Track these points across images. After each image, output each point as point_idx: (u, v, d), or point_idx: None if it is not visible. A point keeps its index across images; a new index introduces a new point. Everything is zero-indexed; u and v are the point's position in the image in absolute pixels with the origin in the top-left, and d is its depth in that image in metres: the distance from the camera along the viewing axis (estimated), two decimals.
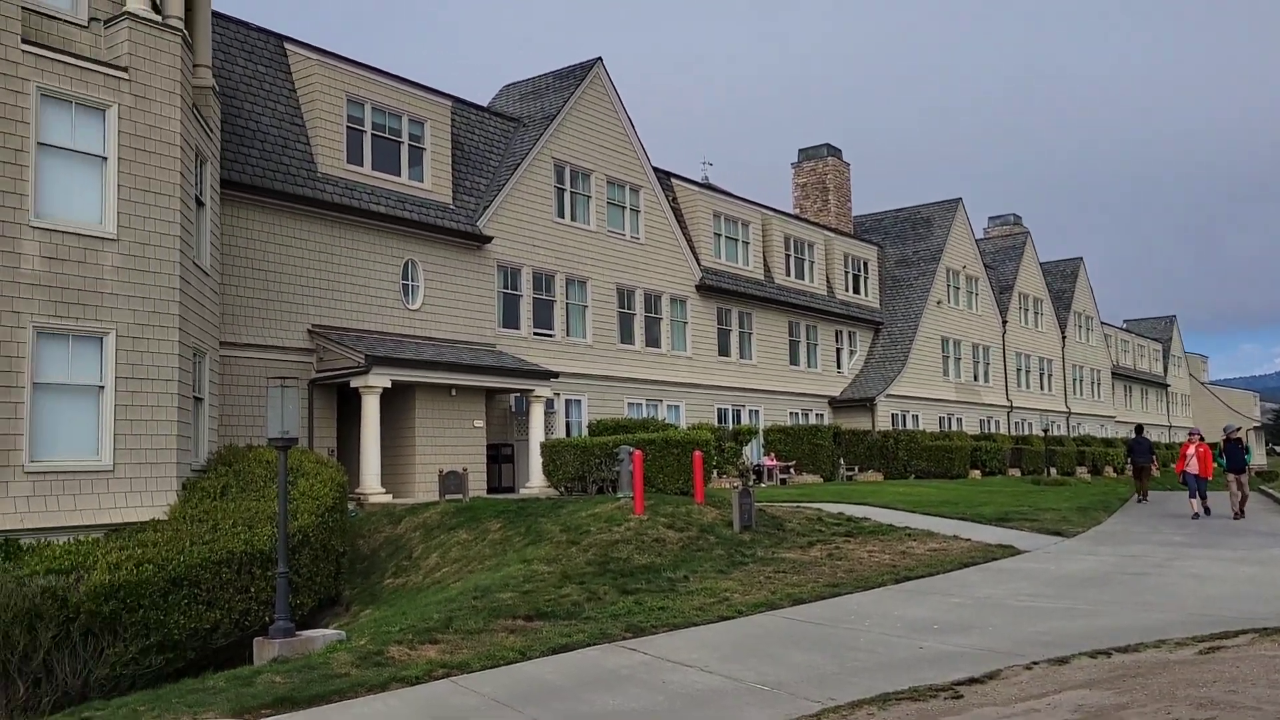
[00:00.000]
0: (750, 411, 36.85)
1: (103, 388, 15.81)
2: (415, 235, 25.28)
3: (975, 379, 49.49)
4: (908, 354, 43.65)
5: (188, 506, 16.20)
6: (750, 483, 28.20)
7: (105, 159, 16.01)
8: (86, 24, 16.33)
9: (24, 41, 15.08)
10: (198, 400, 18.28)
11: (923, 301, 45.29)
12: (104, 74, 16.00)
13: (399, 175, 25.22)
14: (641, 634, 11.03)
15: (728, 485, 25.50)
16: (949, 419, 46.37)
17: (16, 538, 14.36)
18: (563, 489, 22.88)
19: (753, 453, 34.24)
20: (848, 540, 17.09)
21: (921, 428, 42.80)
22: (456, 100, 27.93)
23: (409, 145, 25.49)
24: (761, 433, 35.15)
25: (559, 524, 16.55)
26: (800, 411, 39.54)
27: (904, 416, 42.96)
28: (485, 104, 31.54)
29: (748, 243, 37.73)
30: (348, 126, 24.10)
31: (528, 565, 14.41)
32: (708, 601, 12.50)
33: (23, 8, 15.21)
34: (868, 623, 11.31)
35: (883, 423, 41.13)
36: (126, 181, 16.17)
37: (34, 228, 15.07)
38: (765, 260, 38.98)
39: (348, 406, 23.38)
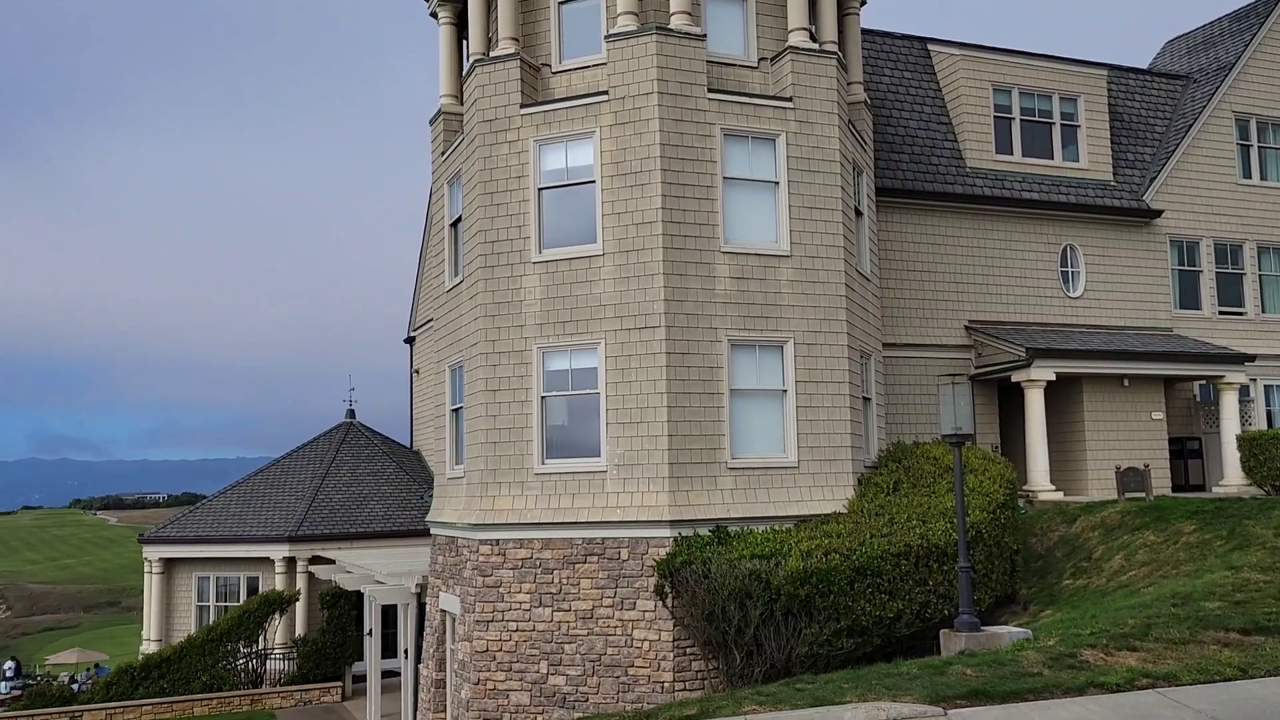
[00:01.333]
0: None
1: (784, 391, 17.39)
2: (1072, 219, 23.95)
3: None
4: None
5: (864, 501, 17.10)
6: None
7: (776, 183, 17.66)
8: (756, 64, 18.22)
9: (709, 91, 17.29)
10: (866, 400, 19.23)
11: None
12: (772, 107, 17.68)
13: (1051, 158, 24.11)
14: None
15: None
16: None
17: (725, 525, 16.36)
18: (1269, 488, 19.92)
19: None
20: None
21: None
22: (1111, 68, 25.92)
23: (1060, 125, 24.25)
24: None
25: (1272, 527, 14.39)
26: None
27: None
28: (1145, 66, 28.82)
29: None
30: (994, 116, 23.68)
31: (1236, 572, 12.74)
32: None
33: (707, 61, 17.43)
34: None
35: None
36: (795, 201, 17.66)
37: (724, 252, 17.14)
38: None
39: (1007, 402, 22.88)
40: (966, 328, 22.70)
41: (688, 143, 17.04)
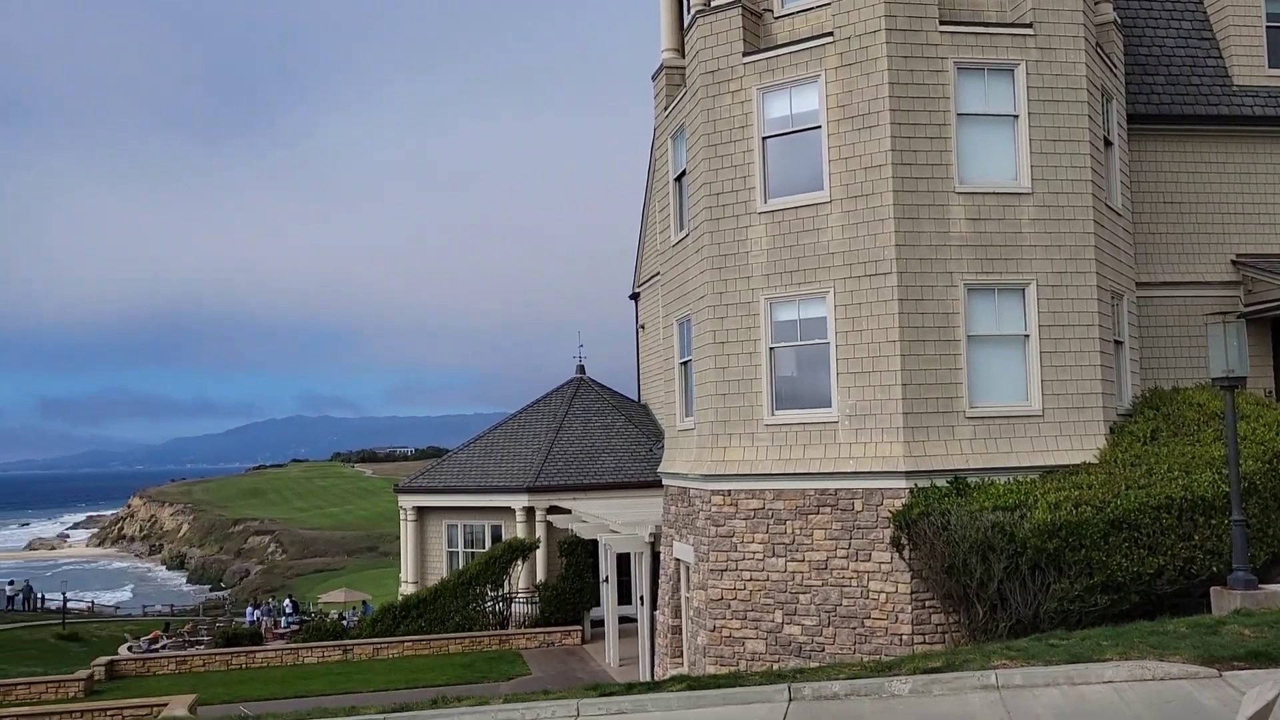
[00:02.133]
0: None
1: (1026, 337, 16.51)
2: None
3: None
4: None
5: (1117, 450, 16.07)
6: None
7: (1015, 117, 16.66)
8: None
9: (941, 23, 16.47)
10: (1117, 344, 18.00)
11: None
12: (1010, 35, 16.64)
13: None
14: None
15: None
16: None
17: (964, 476, 15.79)
18: None
19: None
20: None
21: None
22: None
23: None
24: None
25: None
26: None
27: None
28: None
29: None
30: (1266, 26, 21.30)
31: None
32: None
33: None
34: None
35: None
36: (1036, 135, 16.62)
37: (959, 193, 16.38)
38: None
39: None
40: (1234, 262, 20.74)
41: (918, 79, 16.32)
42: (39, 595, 63.42)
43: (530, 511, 32.53)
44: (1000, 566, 14.04)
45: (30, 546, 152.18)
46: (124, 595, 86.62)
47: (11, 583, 65.12)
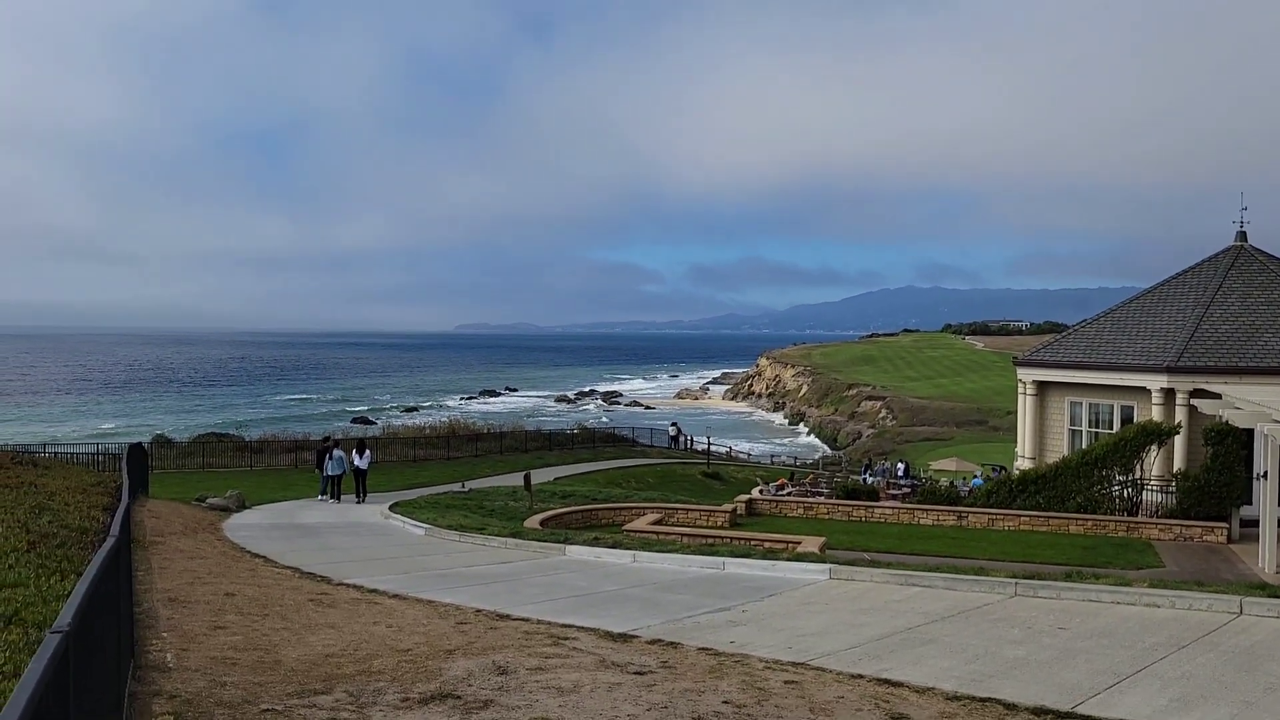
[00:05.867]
0: None
1: None
2: None
3: None
4: None
5: None
6: None
7: None
8: None
9: None
10: None
11: None
12: None
13: None
14: None
15: None
16: None
17: None
18: None
19: None
20: None
21: None
22: None
23: None
24: None
25: None
26: None
27: None
28: None
29: None
30: None
31: None
32: None
33: None
34: None
35: None
36: None
37: None
38: None
39: None
40: None
41: None
42: (688, 437, 73.09)
43: (1169, 393, 29.40)
44: None
45: (678, 395, 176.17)
46: (755, 445, 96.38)
47: (673, 424, 75.97)
